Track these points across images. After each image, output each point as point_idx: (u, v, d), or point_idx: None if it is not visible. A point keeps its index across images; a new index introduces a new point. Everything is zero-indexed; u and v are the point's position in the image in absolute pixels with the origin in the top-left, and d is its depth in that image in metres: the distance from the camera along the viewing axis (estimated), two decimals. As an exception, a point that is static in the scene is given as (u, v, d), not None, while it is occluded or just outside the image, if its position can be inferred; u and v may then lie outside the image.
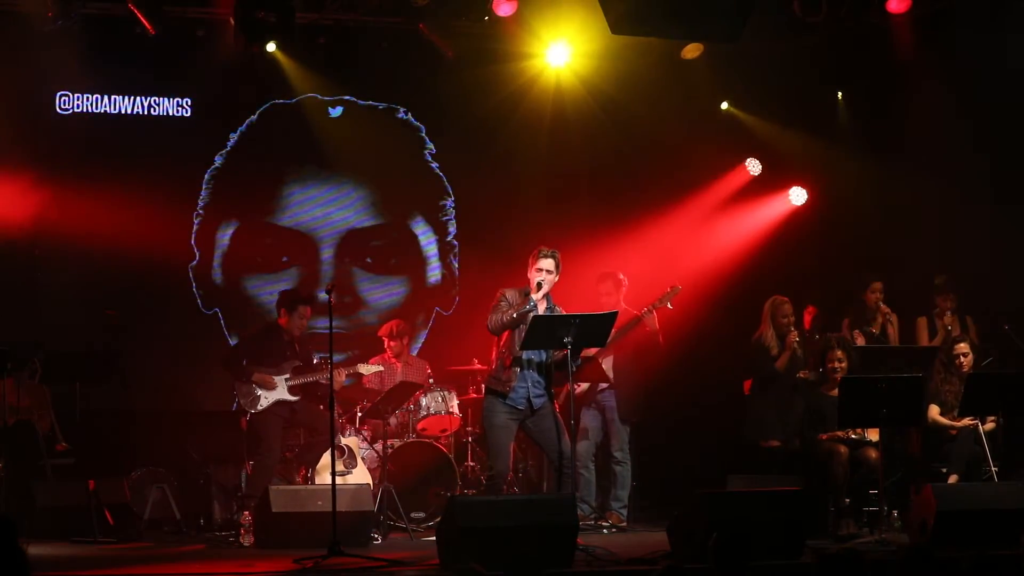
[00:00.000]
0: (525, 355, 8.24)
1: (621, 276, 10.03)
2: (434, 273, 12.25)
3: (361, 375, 10.10)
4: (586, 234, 11.43)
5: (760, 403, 10.21)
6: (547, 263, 8.20)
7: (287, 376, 9.50)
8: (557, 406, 8.45)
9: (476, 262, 11.85)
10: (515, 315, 8.09)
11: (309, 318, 9.75)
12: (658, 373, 10.18)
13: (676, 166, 11.57)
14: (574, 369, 8.20)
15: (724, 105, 11.71)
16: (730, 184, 11.93)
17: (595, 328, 8.20)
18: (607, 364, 9.83)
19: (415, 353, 11.54)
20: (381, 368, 10.15)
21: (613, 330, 8.74)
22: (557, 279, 8.27)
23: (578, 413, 9.32)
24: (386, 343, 10.63)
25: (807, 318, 10.75)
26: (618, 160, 11.75)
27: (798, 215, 11.81)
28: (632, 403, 9.88)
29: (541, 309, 8.15)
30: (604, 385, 9.87)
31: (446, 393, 10.29)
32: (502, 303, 8.24)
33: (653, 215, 11.56)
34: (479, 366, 10.30)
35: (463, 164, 12.01)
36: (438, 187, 12.18)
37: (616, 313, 8.70)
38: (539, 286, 8.11)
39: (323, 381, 9.45)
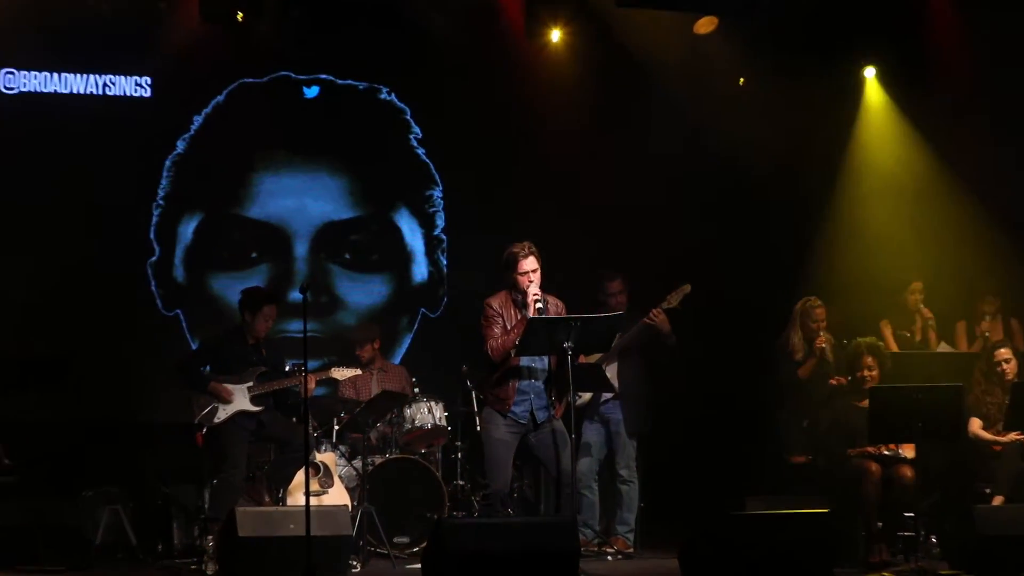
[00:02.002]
0: (524, 362, 8.10)
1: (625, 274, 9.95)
2: (420, 271, 12.14)
3: (336, 380, 10.01)
4: (587, 227, 11.30)
5: (784, 414, 10.04)
6: (532, 262, 8.11)
7: (249, 384, 9.28)
8: (558, 413, 8.39)
9: (467, 258, 11.73)
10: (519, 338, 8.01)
11: (275, 319, 9.53)
12: (668, 381, 10.05)
13: (689, 151, 11.34)
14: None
15: (741, 81, 11.62)
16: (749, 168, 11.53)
17: (599, 331, 8.08)
18: (611, 372, 9.70)
19: (398, 360, 11.46)
20: (358, 371, 9.98)
21: (619, 334, 8.67)
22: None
23: (580, 427, 9.27)
24: (355, 348, 10.59)
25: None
26: (623, 148, 11.51)
27: (823, 204, 11.64)
28: (640, 415, 9.76)
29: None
30: (608, 396, 9.73)
31: (433, 404, 10.11)
32: (493, 318, 8.14)
33: (661, 207, 11.32)
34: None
35: (453, 151, 11.85)
36: (424, 175, 12.05)
37: (623, 314, 8.62)
38: (540, 310, 8.01)
39: (293, 388, 9.34)
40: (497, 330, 8.07)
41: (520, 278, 8.02)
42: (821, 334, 9.74)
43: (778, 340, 10.01)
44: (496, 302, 8.13)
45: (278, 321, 10.00)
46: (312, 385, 9.08)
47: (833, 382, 9.70)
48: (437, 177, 12.13)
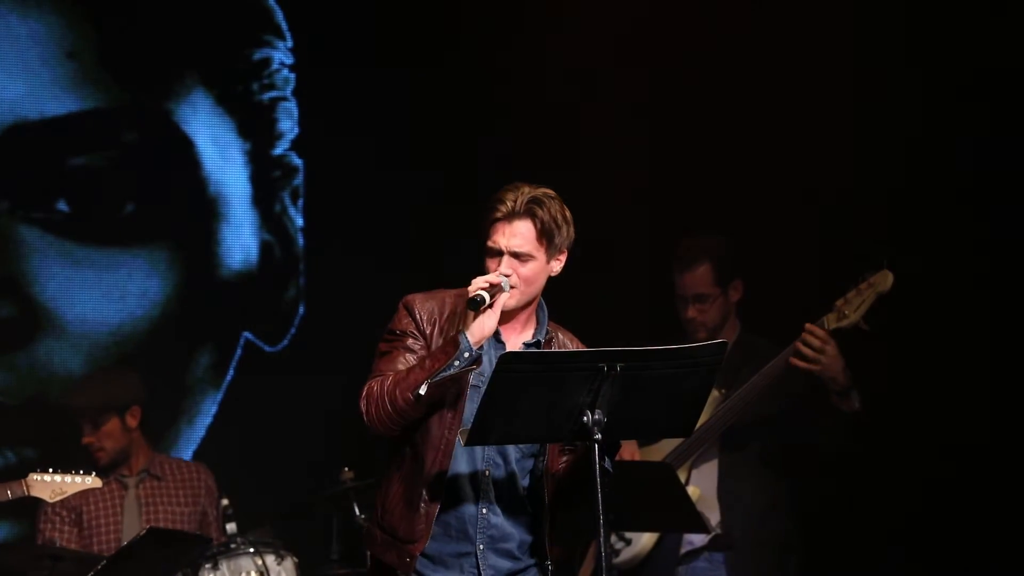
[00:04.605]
0: (457, 468, 5.37)
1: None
2: (239, 241, 9.38)
3: (40, 501, 7.66)
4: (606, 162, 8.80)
5: None
6: (514, 238, 5.48)
7: None
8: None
9: (354, 209, 8.89)
10: (425, 386, 5.25)
11: None
12: (841, 506, 7.83)
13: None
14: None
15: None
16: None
17: (670, 386, 5.42)
18: (703, 483, 7.56)
19: (190, 454, 9.20)
20: (88, 479, 7.71)
21: (717, 389, 7.10)
22: (556, 268, 5.34)
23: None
24: (84, 431, 8.34)
25: None
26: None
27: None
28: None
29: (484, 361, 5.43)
30: (696, 540, 7.56)
31: (273, 559, 8.16)
32: (407, 335, 5.57)
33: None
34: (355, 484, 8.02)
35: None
36: (252, 11, 9.14)
37: (726, 344, 5.96)
38: (479, 300, 5.32)
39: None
40: (400, 364, 5.57)
41: (488, 260, 5.58)
42: None
43: None
44: (425, 306, 5.69)
45: None
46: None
47: None
48: (280, 18, 9.17)
